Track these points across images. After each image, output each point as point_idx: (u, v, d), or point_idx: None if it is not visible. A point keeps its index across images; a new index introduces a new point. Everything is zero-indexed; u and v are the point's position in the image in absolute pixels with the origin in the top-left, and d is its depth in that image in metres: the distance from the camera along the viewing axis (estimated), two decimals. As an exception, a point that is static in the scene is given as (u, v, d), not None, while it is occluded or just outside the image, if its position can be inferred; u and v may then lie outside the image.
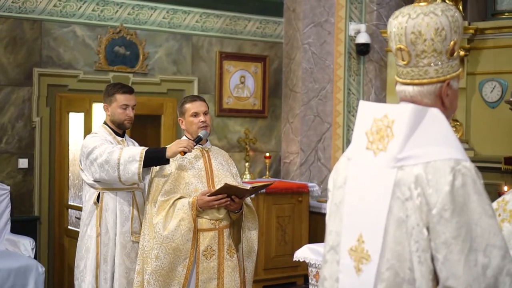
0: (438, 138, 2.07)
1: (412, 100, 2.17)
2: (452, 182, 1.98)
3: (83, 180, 4.53)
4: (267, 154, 8.11)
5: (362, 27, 8.16)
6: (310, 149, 8.26)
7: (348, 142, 8.37)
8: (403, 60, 2.17)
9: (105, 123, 4.62)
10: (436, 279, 2.02)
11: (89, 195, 4.47)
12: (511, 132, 7.31)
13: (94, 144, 4.34)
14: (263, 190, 7.05)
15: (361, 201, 2.16)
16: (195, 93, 7.66)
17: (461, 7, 7.93)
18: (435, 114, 2.09)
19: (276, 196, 7.36)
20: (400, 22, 2.13)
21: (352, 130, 8.25)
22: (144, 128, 7.43)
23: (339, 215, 2.24)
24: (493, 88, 7.55)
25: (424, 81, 2.14)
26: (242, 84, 8.12)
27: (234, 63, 8.04)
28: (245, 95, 8.16)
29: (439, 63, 2.13)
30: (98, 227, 4.42)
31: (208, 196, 4.02)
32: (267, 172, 8.11)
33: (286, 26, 8.38)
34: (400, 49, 2.15)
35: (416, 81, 2.15)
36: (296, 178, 8.17)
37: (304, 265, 7.65)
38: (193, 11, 7.70)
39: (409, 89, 2.17)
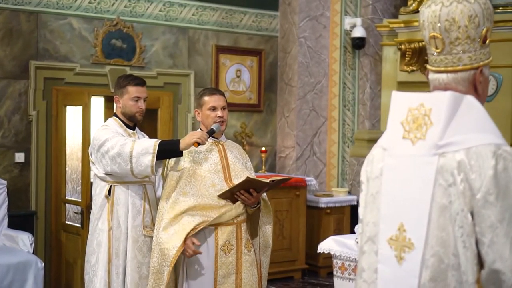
0: (476, 124, 2.10)
1: (446, 87, 2.20)
2: (495, 166, 2.01)
3: (93, 173, 4.45)
4: (263, 149, 8.07)
5: (358, 21, 8.17)
6: (306, 143, 8.25)
7: (343, 136, 8.38)
8: (436, 48, 2.20)
9: (115, 115, 4.54)
10: (480, 263, 2.04)
11: (100, 188, 4.40)
12: (506, 125, 7.35)
13: (105, 136, 4.26)
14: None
15: (401, 190, 2.17)
16: (192, 87, 7.62)
17: (456, 2, 7.95)
18: (471, 101, 2.13)
19: (274, 190, 7.28)
20: (433, 10, 2.17)
21: (348, 124, 8.33)
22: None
23: (376, 206, 2.25)
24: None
25: (458, 68, 2.17)
26: (238, 78, 8.08)
27: (230, 56, 7.99)
28: (241, 89, 8.12)
29: (472, 50, 2.16)
30: (109, 221, 4.34)
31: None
32: (263, 167, 8.08)
33: (282, 20, 8.34)
34: (434, 37, 2.18)
35: (450, 68, 2.18)
36: (292, 172, 8.15)
37: (302, 259, 7.68)
38: (189, 4, 7.64)
39: (443, 76, 2.21)
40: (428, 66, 2.27)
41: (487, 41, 2.18)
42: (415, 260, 2.09)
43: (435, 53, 2.21)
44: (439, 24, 2.16)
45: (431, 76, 2.25)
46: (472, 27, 2.13)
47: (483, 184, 2.01)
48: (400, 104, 2.25)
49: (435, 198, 2.07)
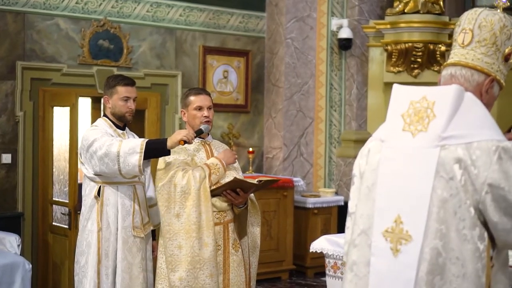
0: (479, 120, 2.12)
1: (452, 81, 2.22)
2: (499, 161, 2.03)
3: (83, 173, 4.44)
4: (250, 149, 8.07)
5: (344, 22, 8.20)
6: (293, 144, 8.26)
7: (330, 136, 8.40)
8: (463, 43, 2.24)
9: (105, 115, 4.53)
10: (480, 257, 2.04)
11: (89, 189, 4.38)
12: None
13: (94, 136, 4.25)
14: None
15: (399, 182, 2.16)
16: (179, 87, 7.61)
17: (441, 3, 8.02)
18: (472, 98, 2.15)
19: (261, 191, 7.30)
20: (475, 10, 2.25)
21: (334, 125, 8.35)
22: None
23: (371, 198, 2.23)
24: (474, 83, 7.64)
25: (478, 67, 2.21)
26: (225, 79, 8.08)
27: (217, 57, 7.99)
28: (228, 90, 8.12)
29: (494, 58, 2.21)
30: (99, 222, 4.32)
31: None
32: (250, 168, 8.08)
33: (269, 21, 8.36)
34: (465, 30, 2.23)
35: (471, 63, 2.22)
36: (279, 173, 8.16)
37: (289, 259, 7.69)
38: (176, 4, 7.63)
39: (457, 70, 2.24)
40: (445, 64, 2.31)
41: (509, 61, 2.25)
42: (412, 252, 2.08)
43: (459, 47, 2.25)
44: (475, 21, 2.22)
45: (444, 72, 2.28)
46: (502, 37, 2.20)
47: (488, 179, 2.02)
48: (402, 97, 2.27)
49: (435, 190, 2.07)
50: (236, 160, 4.40)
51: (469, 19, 2.23)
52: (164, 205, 3.96)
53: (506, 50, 2.21)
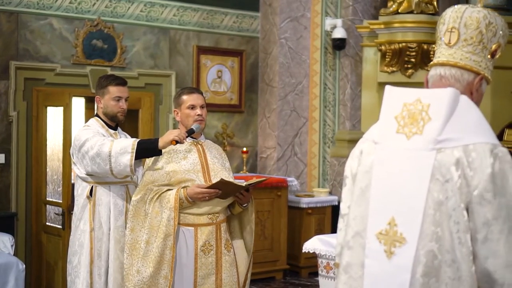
0: (474, 123, 2.11)
1: (442, 82, 2.21)
2: (493, 165, 2.03)
3: (76, 173, 4.44)
4: (244, 149, 8.08)
5: (338, 22, 8.20)
6: (287, 144, 8.27)
7: (324, 136, 8.41)
8: (449, 42, 2.22)
9: (97, 115, 4.53)
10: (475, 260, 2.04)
11: (82, 189, 4.39)
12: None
13: (86, 136, 4.25)
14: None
15: (393, 184, 2.15)
16: (173, 87, 7.61)
17: (435, 3, 8.04)
18: (467, 101, 2.14)
19: (255, 190, 7.22)
20: (459, 8, 2.22)
21: (328, 125, 8.36)
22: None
23: (365, 200, 2.22)
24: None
25: (467, 66, 2.20)
26: (219, 79, 8.08)
27: (211, 57, 7.99)
28: (222, 90, 8.12)
29: (482, 56, 2.20)
30: (91, 222, 4.33)
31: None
32: (244, 167, 8.09)
33: (263, 21, 8.36)
34: (451, 29, 2.21)
35: (459, 63, 2.20)
36: (273, 173, 8.17)
37: (283, 259, 7.69)
38: (170, 4, 7.63)
39: (446, 70, 2.22)
40: (431, 63, 2.29)
41: (495, 57, 2.24)
42: (407, 255, 2.07)
43: (446, 47, 2.23)
44: (460, 19, 2.20)
45: (432, 72, 2.26)
46: (488, 34, 2.19)
47: (480, 182, 2.02)
48: (395, 99, 2.25)
49: (431, 193, 2.06)
50: (228, 160, 4.40)
51: (453, 18, 2.21)
52: (132, 222, 4.03)
53: (493, 47, 2.20)
